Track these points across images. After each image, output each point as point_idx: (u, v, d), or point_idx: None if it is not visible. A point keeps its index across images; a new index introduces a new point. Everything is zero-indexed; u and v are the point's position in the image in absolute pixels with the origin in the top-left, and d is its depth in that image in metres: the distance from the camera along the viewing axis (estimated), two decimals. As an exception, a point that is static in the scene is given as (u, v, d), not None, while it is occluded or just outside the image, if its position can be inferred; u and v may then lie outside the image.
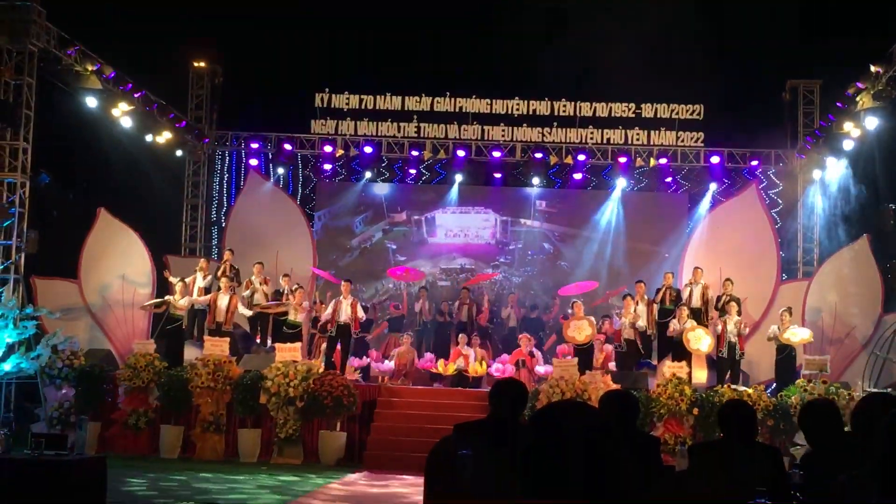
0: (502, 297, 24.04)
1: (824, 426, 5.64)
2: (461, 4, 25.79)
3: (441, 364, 20.19)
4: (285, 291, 20.33)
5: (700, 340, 19.08)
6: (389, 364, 20.29)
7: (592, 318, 19.91)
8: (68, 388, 18.08)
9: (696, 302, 20.37)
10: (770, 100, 25.32)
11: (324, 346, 20.14)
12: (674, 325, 19.57)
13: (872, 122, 19.77)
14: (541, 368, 19.86)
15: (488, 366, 20.15)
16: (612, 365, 19.86)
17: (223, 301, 19.74)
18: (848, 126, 20.57)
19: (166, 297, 19.83)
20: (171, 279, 20.27)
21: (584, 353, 19.23)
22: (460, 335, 20.92)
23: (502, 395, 5.46)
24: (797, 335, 18.89)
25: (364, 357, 20.69)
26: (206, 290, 20.37)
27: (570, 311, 20.51)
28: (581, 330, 19.42)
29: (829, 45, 23.20)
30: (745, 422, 5.78)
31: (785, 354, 18.92)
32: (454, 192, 25.41)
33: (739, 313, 19.46)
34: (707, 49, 22.87)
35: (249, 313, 20.28)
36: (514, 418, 5.31)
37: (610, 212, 25.22)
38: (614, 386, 16.26)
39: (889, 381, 18.47)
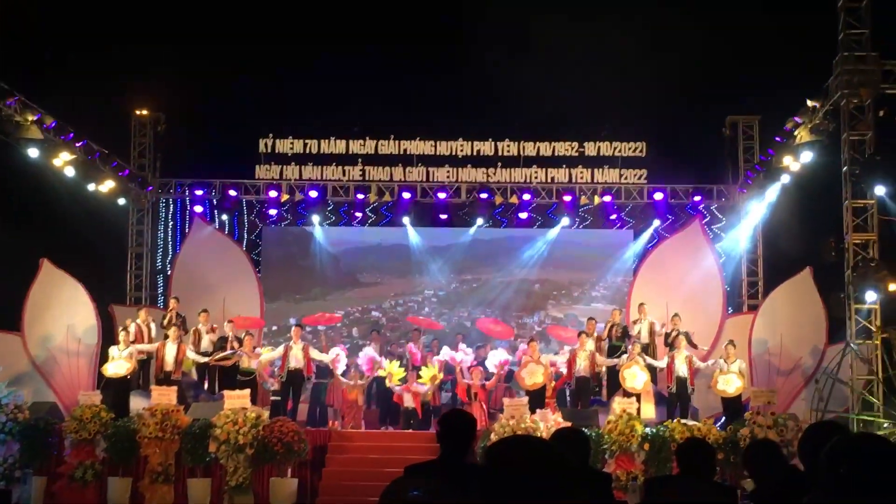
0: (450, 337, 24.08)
1: (767, 464, 5.73)
2: (403, 47, 25.98)
3: (389, 365, 20.16)
4: (230, 338, 20.19)
5: (635, 378, 19.16)
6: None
7: (546, 363, 19.91)
8: (12, 442, 17.78)
9: (645, 338, 20.55)
10: (711, 136, 25.65)
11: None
12: (623, 360, 19.69)
13: (808, 157, 20.10)
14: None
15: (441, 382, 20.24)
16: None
17: (171, 350, 19.56)
18: (787, 160, 20.88)
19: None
20: (121, 332, 19.99)
21: (538, 391, 19.24)
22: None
23: (450, 427, 5.45)
24: (731, 384, 18.99)
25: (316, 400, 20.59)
26: (152, 340, 20.22)
27: (524, 351, 20.49)
28: (533, 375, 19.40)
29: (767, 81, 23.66)
30: (705, 460, 5.84)
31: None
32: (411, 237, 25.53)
33: (693, 346, 19.65)
34: (648, 87, 23.19)
35: (202, 360, 20.10)
36: (463, 453, 5.31)
37: (551, 250, 25.42)
38: (565, 424, 16.29)
39: (838, 406, 18.65)
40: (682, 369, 19.15)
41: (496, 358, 20.45)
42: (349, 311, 25.88)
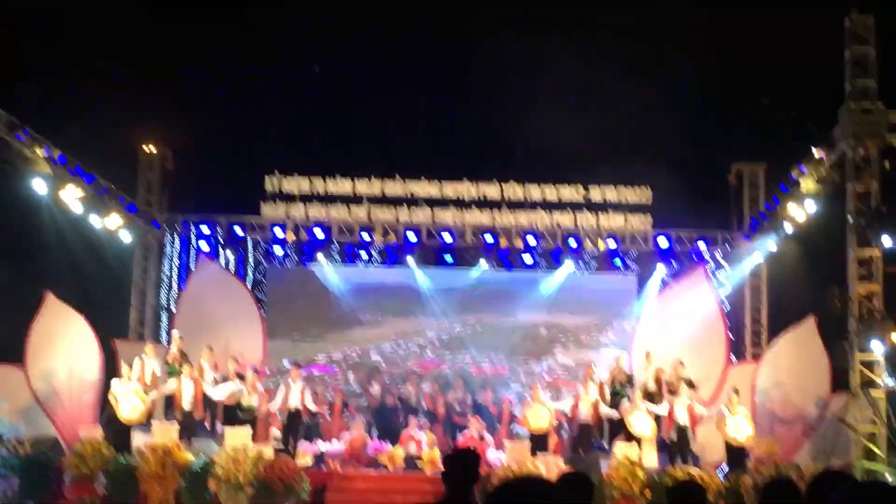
0: (448, 381, 24.07)
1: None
2: (410, 88, 26.15)
3: (387, 456, 19.96)
4: (232, 374, 20.15)
5: (643, 424, 19.12)
6: (340, 446, 20.10)
7: (551, 404, 19.88)
8: (13, 476, 17.70)
9: (651, 386, 20.50)
10: (716, 183, 25.75)
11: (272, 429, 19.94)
12: (625, 405, 19.66)
13: (813, 207, 20.13)
14: (492, 454, 19.73)
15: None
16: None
17: (188, 388, 19.52)
18: (792, 209, 20.92)
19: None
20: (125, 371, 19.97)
21: (540, 437, 19.16)
22: (411, 418, 20.84)
23: (455, 464, 5.45)
24: (741, 431, 18.89)
25: (315, 440, 20.52)
26: (158, 377, 20.20)
27: (526, 394, 20.50)
28: (538, 418, 19.32)
29: (773, 129, 23.76)
30: (696, 502, 5.80)
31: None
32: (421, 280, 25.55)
33: (693, 388, 19.61)
34: (654, 132, 23.31)
35: (221, 397, 19.98)
36: (467, 491, 5.30)
37: (556, 294, 25.41)
38: (567, 469, 16.21)
39: (843, 454, 18.58)
40: (682, 417, 19.08)
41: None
42: (347, 355, 25.82)
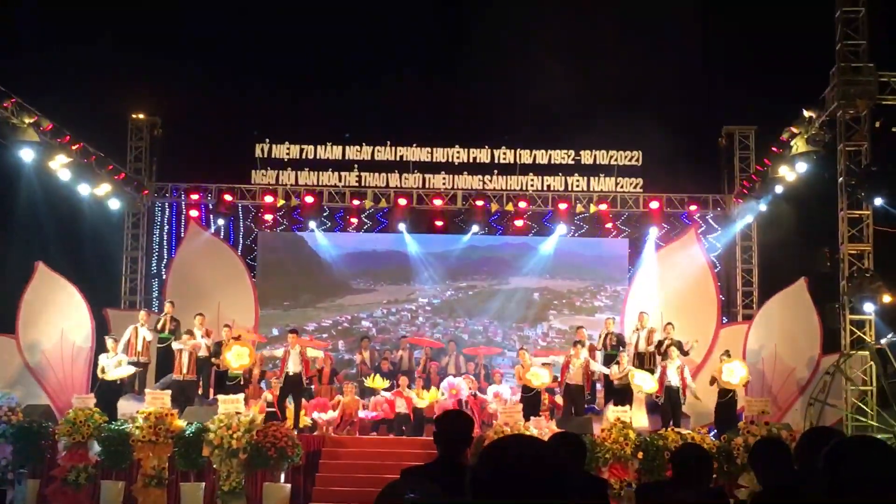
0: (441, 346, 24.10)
1: (775, 464, 5.70)
2: (400, 53, 26.02)
3: (370, 380, 20.30)
4: (226, 342, 20.17)
5: (645, 381, 19.23)
6: (333, 414, 20.15)
7: (551, 366, 19.95)
8: (6, 444, 17.75)
9: (643, 346, 20.56)
10: (707, 145, 25.73)
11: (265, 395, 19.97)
12: (614, 369, 19.73)
13: (804, 167, 20.14)
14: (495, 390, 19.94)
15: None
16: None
17: (185, 353, 19.58)
18: (783, 170, 20.91)
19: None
20: (113, 346, 20.01)
21: (532, 399, 19.21)
22: (400, 377, 20.90)
23: (447, 427, 5.46)
24: (735, 374, 18.98)
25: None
26: (149, 344, 20.25)
27: (516, 359, 20.57)
28: (540, 376, 19.37)
29: (763, 91, 23.69)
30: (701, 466, 5.81)
31: (727, 398, 19.05)
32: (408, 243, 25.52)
33: (684, 353, 19.67)
34: (644, 96, 23.24)
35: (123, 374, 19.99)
36: (460, 454, 5.31)
37: (548, 258, 25.40)
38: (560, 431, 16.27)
39: (832, 417, 18.70)
40: (674, 379, 19.14)
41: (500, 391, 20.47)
42: (337, 321, 25.82)
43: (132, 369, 19.72)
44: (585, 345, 20.36)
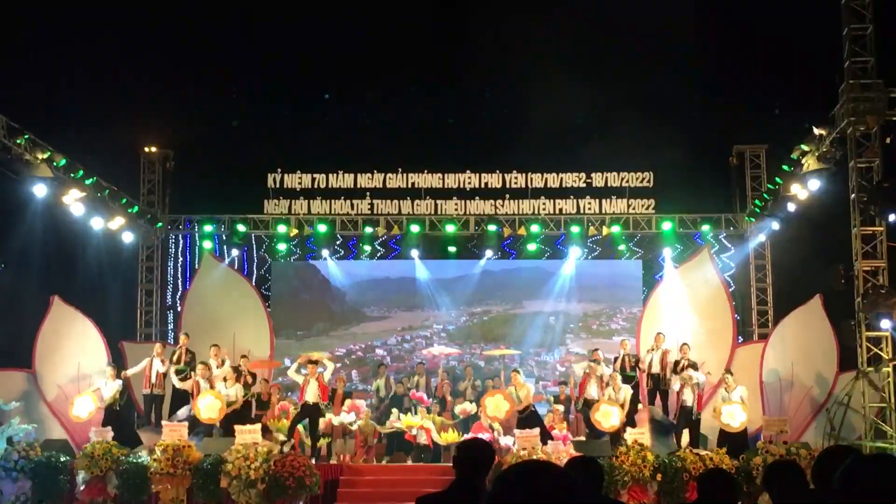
0: (457, 373, 24.07)
1: (789, 486, 5.69)
2: (408, 79, 26.10)
3: (405, 419, 20.19)
4: (244, 373, 20.23)
5: (609, 417, 18.97)
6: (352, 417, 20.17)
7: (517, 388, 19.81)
8: (25, 480, 17.78)
9: (656, 367, 20.53)
10: (718, 165, 25.70)
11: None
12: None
13: (816, 185, 20.13)
14: (507, 440, 19.79)
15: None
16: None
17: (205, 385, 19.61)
18: (795, 188, 20.92)
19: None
20: (128, 373, 20.20)
21: (530, 417, 19.09)
22: (418, 408, 20.88)
23: (468, 454, 5.46)
24: (736, 418, 18.82)
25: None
26: (164, 375, 20.30)
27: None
28: (499, 406, 19.30)
29: (773, 109, 23.71)
30: (726, 489, 5.80)
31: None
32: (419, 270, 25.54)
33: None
34: (655, 116, 23.25)
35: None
36: (478, 482, 5.31)
37: (562, 282, 25.39)
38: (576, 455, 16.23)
39: (850, 434, 18.62)
40: (689, 398, 19.10)
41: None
42: (351, 350, 25.79)
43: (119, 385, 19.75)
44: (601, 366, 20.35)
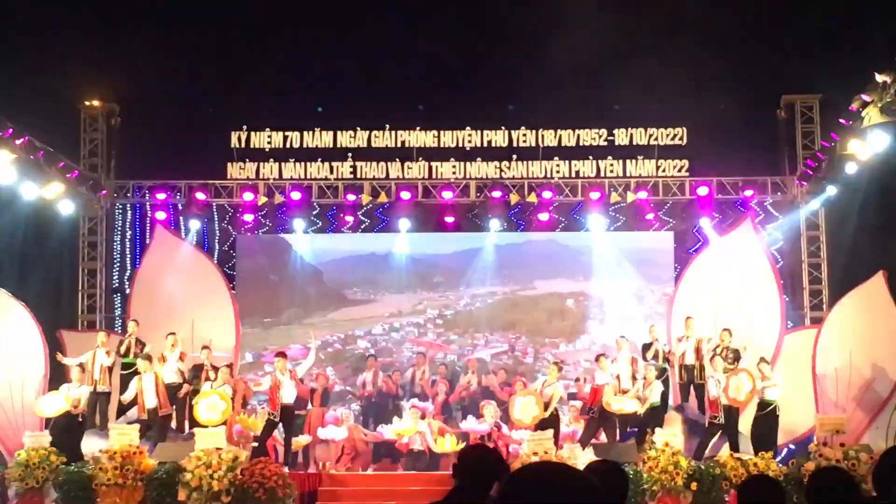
0: (456, 368, 24.10)
1: (837, 496, 5.70)
2: (401, 22, 25.99)
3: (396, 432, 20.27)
4: (207, 367, 20.25)
5: (524, 409, 19.10)
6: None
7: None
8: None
9: (690, 358, 20.54)
10: (763, 119, 25.60)
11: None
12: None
13: (881, 140, 20.07)
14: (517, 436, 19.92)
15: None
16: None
17: (148, 382, 19.59)
18: (854, 146, 20.84)
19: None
20: (66, 361, 20.21)
21: (550, 421, 19.19)
22: (411, 408, 20.93)
23: (472, 461, 5.45)
24: (741, 391, 19.00)
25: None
26: (110, 370, 20.30)
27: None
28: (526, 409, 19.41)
29: (829, 55, 23.60)
30: (773, 499, 5.81)
31: (767, 411, 19.12)
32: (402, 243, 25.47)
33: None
34: (689, 64, 23.17)
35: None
36: (482, 492, 5.31)
37: (581, 256, 25.38)
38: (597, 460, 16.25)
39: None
40: (715, 393, 19.17)
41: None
42: (327, 341, 25.67)
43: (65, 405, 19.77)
44: (627, 358, 20.38)
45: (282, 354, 20.19)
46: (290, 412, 19.35)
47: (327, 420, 21.06)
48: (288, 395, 19.27)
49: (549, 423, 19.04)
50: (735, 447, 18.85)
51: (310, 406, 21.36)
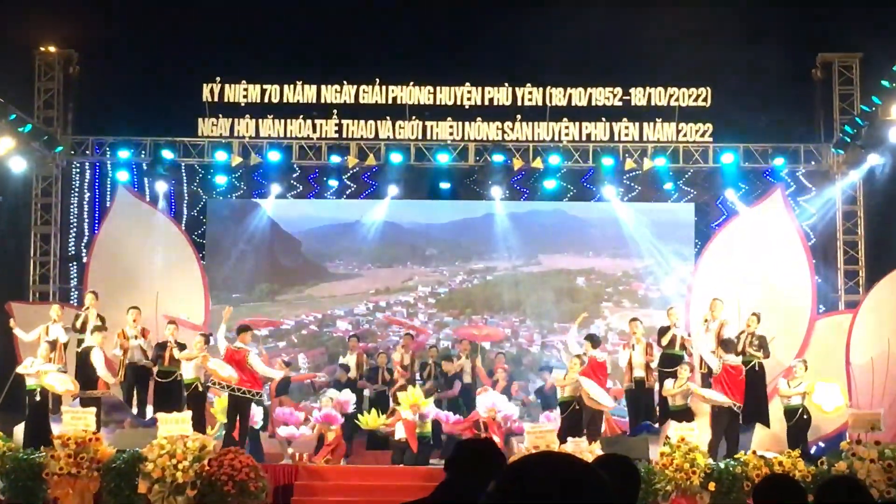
0: (449, 353, 24.09)
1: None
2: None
3: (364, 417, 20.30)
4: (170, 344, 20.23)
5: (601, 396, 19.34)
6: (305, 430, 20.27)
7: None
8: None
9: (712, 345, 20.52)
10: (797, 80, 25.56)
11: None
12: (668, 385, 19.64)
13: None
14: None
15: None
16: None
17: (97, 357, 19.61)
18: (897, 110, 20.88)
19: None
20: (21, 335, 20.22)
21: (572, 415, 19.23)
22: (396, 393, 21.00)
23: (467, 454, 5.41)
24: (830, 400, 19.05)
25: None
26: (65, 347, 20.31)
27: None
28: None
29: (871, 9, 23.56)
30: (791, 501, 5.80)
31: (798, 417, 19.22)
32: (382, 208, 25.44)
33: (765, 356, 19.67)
34: (715, 17, 23.13)
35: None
36: (474, 485, 5.27)
37: (590, 230, 25.35)
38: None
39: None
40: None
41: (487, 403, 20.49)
42: (302, 321, 25.69)
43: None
44: (642, 342, 20.40)
45: (245, 329, 20.19)
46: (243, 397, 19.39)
47: (283, 416, 20.95)
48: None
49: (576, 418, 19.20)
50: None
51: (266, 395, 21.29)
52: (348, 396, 20.99)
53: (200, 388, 19.72)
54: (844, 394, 19.27)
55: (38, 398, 19.60)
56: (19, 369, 19.97)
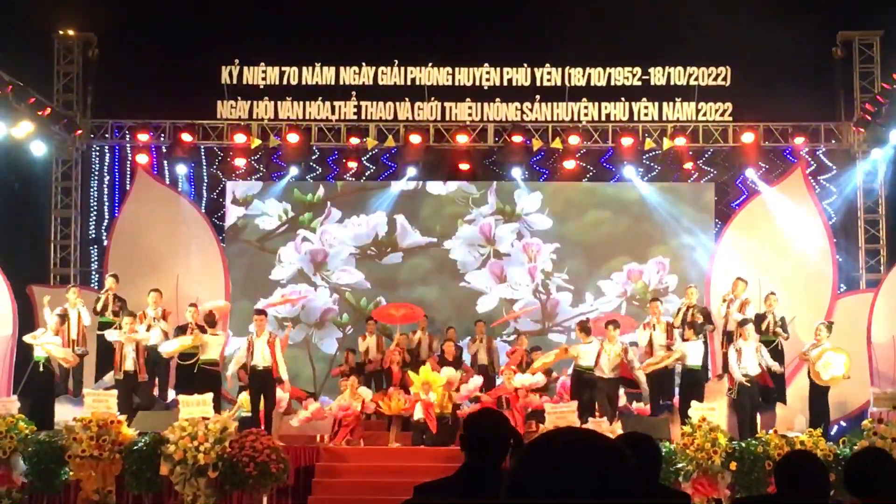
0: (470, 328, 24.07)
1: (879, 480, 5.68)
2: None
3: (386, 402, 20.26)
4: (192, 327, 20.24)
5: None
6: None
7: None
8: None
9: (732, 323, 20.48)
10: (817, 58, 25.45)
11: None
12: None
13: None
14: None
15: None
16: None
17: (128, 344, 19.63)
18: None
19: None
20: (48, 315, 20.26)
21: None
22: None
23: (480, 430, 5.39)
24: (829, 368, 19.02)
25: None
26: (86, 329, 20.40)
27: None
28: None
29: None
30: (811, 478, 5.77)
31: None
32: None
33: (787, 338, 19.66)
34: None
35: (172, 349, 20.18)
36: (494, 465, 5.25)
37: (612, 209, 25.31)
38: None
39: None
40: (751, 367, 19.16)
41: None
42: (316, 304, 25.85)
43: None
44: (662, 323, 20.37)
45: (260, 312, 20.18)
46: (264, 377, 19.25)
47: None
48: (261, 359, 19.24)
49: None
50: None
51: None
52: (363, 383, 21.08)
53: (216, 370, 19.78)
54: (847, 366, 19.18)
55: (41, 370, 19.70)
56: (26, 338, 20.02)
